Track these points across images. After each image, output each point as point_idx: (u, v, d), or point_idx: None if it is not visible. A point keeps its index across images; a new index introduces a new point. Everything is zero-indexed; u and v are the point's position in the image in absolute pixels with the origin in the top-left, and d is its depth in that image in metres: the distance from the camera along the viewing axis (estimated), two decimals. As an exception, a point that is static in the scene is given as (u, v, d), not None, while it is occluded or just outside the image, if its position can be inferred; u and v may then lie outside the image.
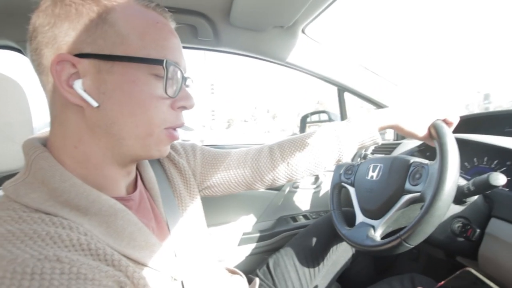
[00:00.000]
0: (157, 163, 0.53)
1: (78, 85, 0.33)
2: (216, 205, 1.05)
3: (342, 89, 1.13)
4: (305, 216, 1.16)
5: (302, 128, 1.47)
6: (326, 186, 1.21)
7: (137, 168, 0.47)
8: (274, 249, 1.04)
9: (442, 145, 0.53)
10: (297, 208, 1.18)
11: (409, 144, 0.98)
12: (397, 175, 0.64)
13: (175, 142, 0.57)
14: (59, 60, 0.32)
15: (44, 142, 0.37)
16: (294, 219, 1.15)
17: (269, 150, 0.60)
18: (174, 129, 0.40)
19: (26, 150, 0.35)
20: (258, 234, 1.07)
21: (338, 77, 1.06)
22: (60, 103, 0.34)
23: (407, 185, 0.61)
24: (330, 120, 1.28)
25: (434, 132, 0.56)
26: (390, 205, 0.64)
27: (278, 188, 1.16)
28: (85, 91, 0.33)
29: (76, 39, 0.32)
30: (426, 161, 0.60)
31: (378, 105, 1.11)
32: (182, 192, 0.52)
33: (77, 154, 0.35)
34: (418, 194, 0.57)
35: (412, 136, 0.60)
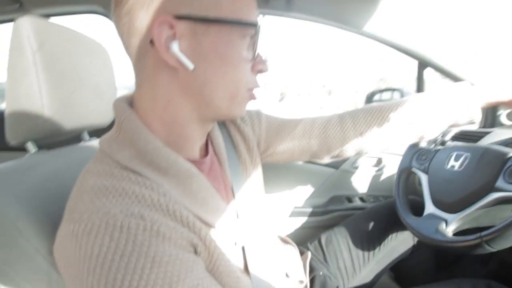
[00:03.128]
0: (224, 129, 0.54)
1: (176, 47, 0.33)
2: (271, 174, 1.06)
3: (424, 64, 0.99)
4: (362, 199, 1.12)
5: (368, 106, 1.36)
6: (389, 170, 1.13)
7: (208, 134, 0.49)
8: (325, 226, 1.04)
9: None
10: (354, 189, 1.13)
11: (502, 135, 0.83)
12: (488, 169, 0.56)
13: None
14: (160, 21, 0.32)
15: (131, 102, 0.40)
16: (349, 199, 1.11)
17: (340, 119, 0.57)
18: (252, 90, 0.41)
19: (117, 110, 0.39)
20: (310, 209, 1.07)
21: (421, 49, 0.92)
22: (152, 65, 0.36)
23: (500, 182, 0.53)
24: (403, 99, 1.15)
25: None
26: (472, 201, 0.56)
27: (336, 166, 1.12)
28: (181, 52, 0.34)
29: (174, 1, 0.33)
30: None
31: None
32: (246, 159, 0.53)
33: (165, 115, 0.37)
34: None
35: None
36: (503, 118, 0.96)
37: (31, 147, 0.51)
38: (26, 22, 0.45)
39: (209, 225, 0.38)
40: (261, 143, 0.58)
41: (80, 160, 0.54)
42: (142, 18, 0.33)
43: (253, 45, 0.37)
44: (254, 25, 0.36)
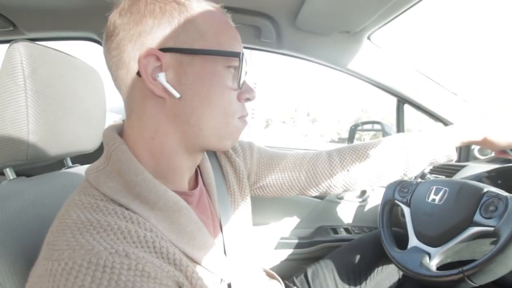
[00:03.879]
0: (215, 159, 0.54)
1: (162, 77, 0.35)
2: (258, 205, 1.05)
3: (402, 101, 1.06)
4: (347, 230, 1.12)
5: (351, 139, 1.42)
6: (373, 201, 1.15)
7: (197, 165, 0.49)
8: (311, 258, 1.02)
9: None
10: (339, 219, 1.13)
11: (476, 168, 0.88)
12: (465, 204, 0.58)
13: None
14: (146, 54, 0.34)
15: (120, 131, 0.40)
16: (334, 230, 1.11)
17: (328, 156, 0.59)
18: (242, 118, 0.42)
19: (106, 140, 0.38)
20: (296, 241, 1.05)
21: (400, 88, 0.99)
22: (140, 96, 0.37)
23: (477, 217, 0.55)
24: (384, 132, 1.21)
25: None
26: (452, 235, 0.58)
27: (322, 197, 1.13)
28: (168, 83, 0.35)
29: (160, 35, 0.35)
30: (504, 193, 0.53)
31: (444, 122, 1.02)
32: (235, 191, 0.53)
33: (153, 145, 0.38)
34: (491, 229, 0.51)
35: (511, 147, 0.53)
36: (476, 153, 1.03)
37: (8, 173, 0.49)
38: (21, 47, 0.45)
39: (195, 262, 0.36)
40: (251, 175, 0.58)
41: (62, 188, 0.52)
42: (130, 51, 0.35)
43: (238, 74, 0.39)
44: (237, 55, 0.37)
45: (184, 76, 0.36)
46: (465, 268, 0.50)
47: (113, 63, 0.37)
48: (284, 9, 0.78)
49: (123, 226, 0.31)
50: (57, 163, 0.63)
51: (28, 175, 0.54)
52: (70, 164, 0.67)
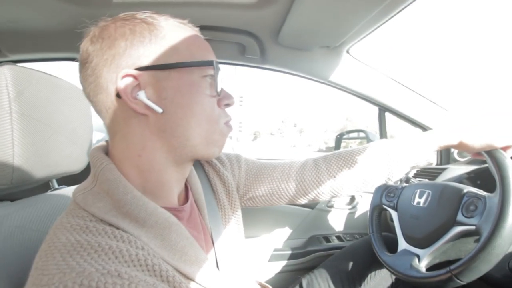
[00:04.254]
0: (203, 174, 0.55)
1: (142, 95, 0.36)
2: (249, 217, 1.05)
3: (383, 109, 1.11)
4: (339, 237, 1.13)
5: (337, 147, 1.46)
6: (362, 207, 1.17)
7: (186, 180, 0.49)
8: (305, 269, 1.02)
9: (504, 178, 0.50)
10: (331, 228, 1.14)
11: (456, 170, 0.92)
12: (448, 205, 0.61)
13: (221, 153, 0.59)
14: (123, 75, 0.35)
15: (106, 151, 0.41)
16: (327, 239, 1.12)
17: (314, 164, 0.60)
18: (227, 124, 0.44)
19: (93, 160, 0.38)
20: (289, 252, 1.05)
21: (380, 97, 1.04)
22: (122, 117, 0.37)
23: (460, 217, 0.58)
24: (368, 140, 1.25)
25: (494, 163, 0.53)
26: (438, 236, 0.60)
27: (312, 206, 1.14)
28: (148, 99, 0.36)
29: (134, 55, 0.36)
30: (483, 193, 0.56)
31: (423, 128, 1.07)
32: (225, 205, 0.53)
33: (140, 163, 0.38)
34: (473, 227, 0.54)
35: (486, 149, 0.55)
36: (456, 155, 1.08)
37: None
38: (6, 71, 0.45)
39: (187, 277, 0.36)
40: (240, 187, 0.59)
41: (48, 211, 0.51)
42: (106, 75, 0.36)
43: (215, 82, 0.40)
44: (211, 64, 0.39)
45: (164, 91, 0.37)
46: (452, 267, 0.52)
47: (91, 90, 0.37)
48: (266, 27, 0.81)
49: (114, 246, 0.31)
50: (43, 185, 0.62)
51: (12, 200, 0.52)
52: (56, 186, 0.66)
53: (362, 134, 1.29)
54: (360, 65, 0.98)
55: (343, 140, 1.46)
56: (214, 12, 0.75)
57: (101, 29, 0.37)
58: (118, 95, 0.36)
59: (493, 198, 0.52)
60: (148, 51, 0.36)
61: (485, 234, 0.49)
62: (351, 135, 1.42)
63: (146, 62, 0.36)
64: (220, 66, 0.42)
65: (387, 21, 0.73)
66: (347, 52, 0.93)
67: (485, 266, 0.49)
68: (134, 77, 0.35)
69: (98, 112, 0.39)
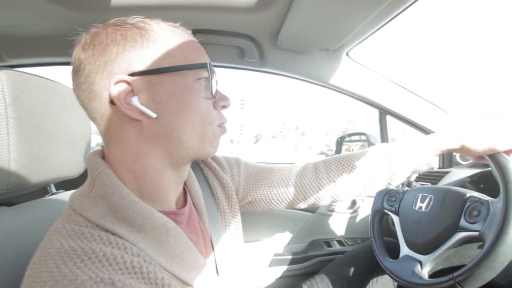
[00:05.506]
0: (202, 177, 0.54)
1: (136, 101, 0.35)
2: (249, 222, 1.04)
3: (384, 112, 1.10)
4: (340, 242, 1.11)
5: (338, 150, 1.45)
6: (363, 212, 1.16)
7: (185, 183, 0.48)
8: (306, 274, 1.01)
9: (508, 183, 0.48)
10: (332, 232, 1.13)
11: (459, 174, 0.91)
12: (450, 210, 0.60)
13: (220, 156, 0.59)
14: (116, 81, 0.35)
15: (103, 156, 0.40)
16: (328, 243, 1.10)
17: (314, 168, 0.59)
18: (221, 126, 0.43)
19: (90, 165, 0.38)
20: (290, 257, 1.04)
21: (381, 100, 1.03)
22: (117, 123, 0.37)
23: (463, 222, 0.57)
24: (369, 143, 1.24)
25: (497, 167, 0.52)
26: (441, 241, 0.59)
27: (313, 210, 1.13)
28: (142, 105, 0.36)
29: (126, 60, 0.35)
30: (486, 198, 0.55)
31: (424, 130, 1.06)
32: (225, 208, 0.53)
33: (136, 168, 0.38)
34: (476, 233, 0.53)
35: (488, 153, 0.54)
36: (458, 159, 1.07)
37: None
38: (2, 75, 0.45)
39: (186, 284, 0.35)
40: (239, 190, 0.58)
41: (45, 217, 0.51)
42: (100, 82, 0.35)
43: (209, 84, 0.39)
44: (205, 66, 0.38)
45: (158, 96, 0.36)
46: (455, 274, 0.51)
47: (85, 97, 0.37)
48: (264, 31, 0.81)
49: (108, 253, 0.30)
50: (40, 190, 0.62)
51: (9, 204, 0.52)
52: (54, 190, 0.66)
53: (363, 137, 1.29)
54: (360, 67, 0.97)
55: (344, 143, 1.45)
56: (212, 16, 0.75)
57: (92, 36, 0.36)
58: (112, 102, 0.35)
59: (496, 203, 0.51)
60: (140, 56, 0.36)
61: (489, 240, 0.48)
62: (353, 138, 1.42)
63: (138, 67, 0.36)
64: (220, 70, 0.42)
65: (386, 23, 0.73)
66: (347, 54, 0.93)
67: (489, 273, 0.48)
68: (128, 82, 0.35)
69: (93, 119, 0.39)
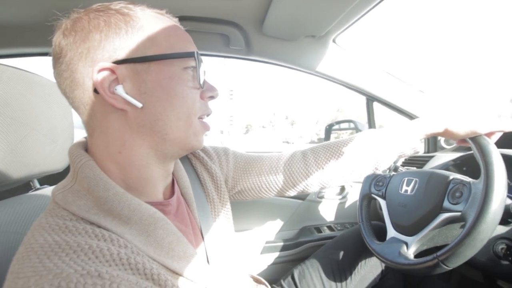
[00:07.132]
0: (191, 168, 0.54)
1: (120, 90, 0.34)
2: (240, 211, 1.05)
3: (371, 99, 1.11)
4: (330, 228, 1.14)
5: (327, 138, 1.46)
6: (352, 197, 1.19)
7: (173, 174, 0.48)
8: (297, 259, 1.03)
9: (488, 165, 0.50)
10: (322, 218, 1.15)
11: (443, 158, 0.94)
12: (434, 192, 0.62)
13: (208, 147, 0.59)
14: (99, 69, 0.33)
15: (86, 147, 0.39)
16: (318, 229, 1.13)
17: (302, 155, 0.60)
18: (203, 118, 0.42)
19: (72, 157, 0.37)
20: (281, 243, 1.06)
21: (368, 87, 1.04)
22: (100, 112, 0.36)
23: (446, 203, 0.58)
24: (357, 129, 1.26)
25: (478, 149, 0.54)
26: (425, 223, 0.61)
27: (303, 197, 1.15)
28: (127, 94, 0.35)
29: (110, 47, 0.34)
30: (468, 179, 0.57)
31: (410, 116, 1.08)
32: (214, 198, 0.53)
33: (121, 159, 0.37)
34: (458, 213, 0.55)
35: (470, 136, 0.56)
36: (443, 143, 1.10)
37: None
38: None
39: (176, 274, 0.35)
40: (228, 180, 0.58)
41: (28, 213, 0.49)
42: (82, 70, 0.34)
43: (197, 74, 0.39)
44: (192, 55, 0.37)
45: (143, 84, 0.35)
46: (438, 253, 0.53)
47: (67, 85, 0.36)
48: (249, 17, 0.79)
49: (94, 245, 0.30)
50: (24, 185, 0.60)
51: None
52: (38, 185, 0.64)
53: (351, 125, 1.30)
54: (348, 54, 0.97)
55: (333, 131, 1.46)
56: (196, 2, 0.73)
57: (74, 21, 0.34)
58: (95, 90, 0.34)
59: (477, 184, 0.52)
60: (125, 43, 0.34)
61: (470, 220, 0.50)
62: (341, 125, 1.43)
63: (123, 54, 0.34)
64: (208, 59, 0.41)
65: (371, 9, 0.73)
66: (334, 41, 0.93)
67: (470, 251, 0.49)
68: (111, 70, 0.34)
69: (76, 108, 0.37)
